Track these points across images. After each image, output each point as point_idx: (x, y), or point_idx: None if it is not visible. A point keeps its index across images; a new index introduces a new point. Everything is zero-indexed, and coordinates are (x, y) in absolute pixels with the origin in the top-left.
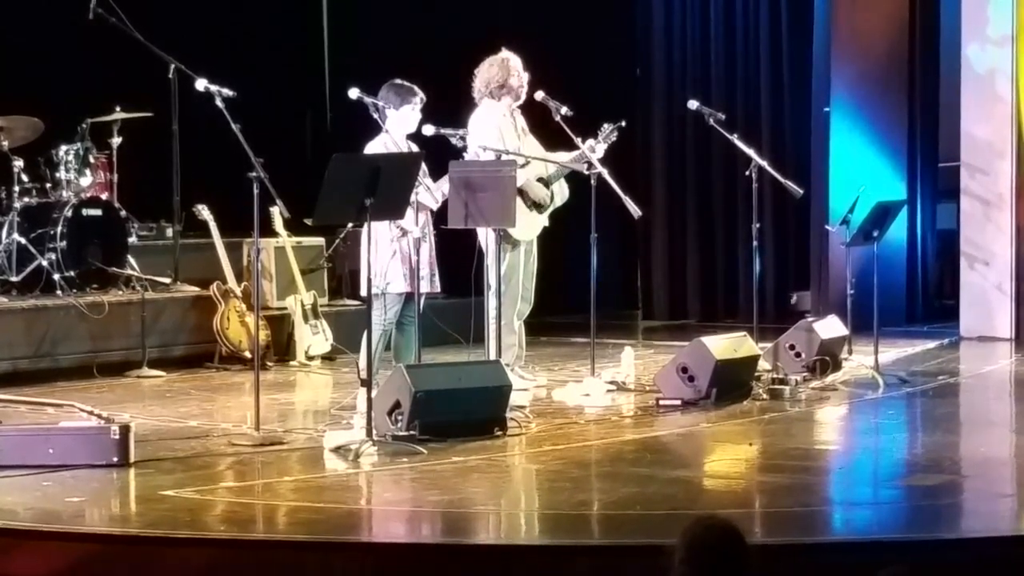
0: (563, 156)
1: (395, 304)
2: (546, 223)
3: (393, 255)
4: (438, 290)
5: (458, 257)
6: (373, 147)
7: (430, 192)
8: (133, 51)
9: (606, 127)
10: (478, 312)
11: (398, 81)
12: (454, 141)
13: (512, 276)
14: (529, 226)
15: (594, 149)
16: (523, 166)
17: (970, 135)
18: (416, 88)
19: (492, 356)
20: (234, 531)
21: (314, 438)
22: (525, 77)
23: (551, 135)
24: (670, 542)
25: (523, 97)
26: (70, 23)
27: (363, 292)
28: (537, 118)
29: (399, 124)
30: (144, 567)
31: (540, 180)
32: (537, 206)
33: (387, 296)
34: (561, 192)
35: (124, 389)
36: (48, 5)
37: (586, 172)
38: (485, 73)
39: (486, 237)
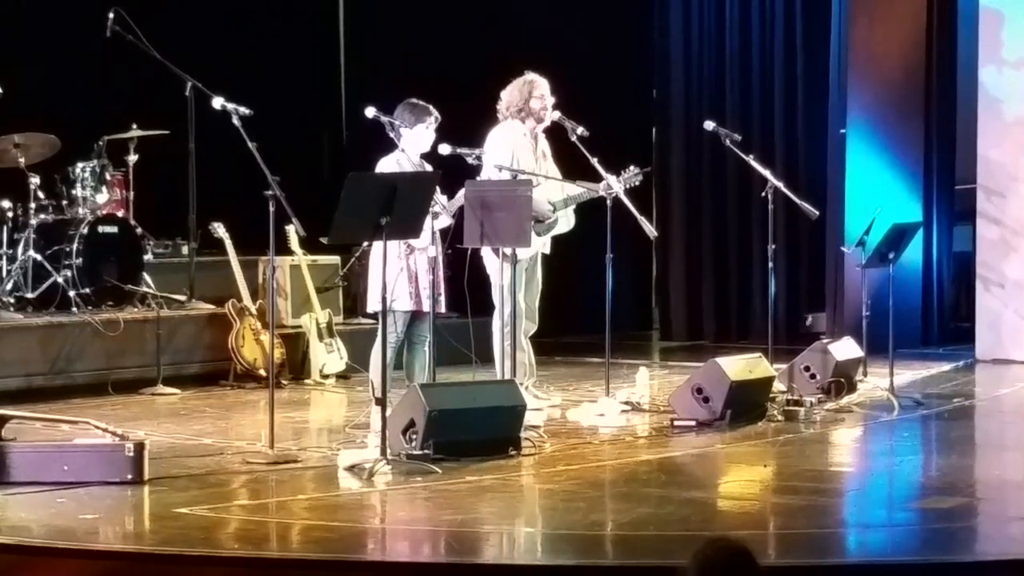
0: (581, 185)
1: (400, 322)
2: (546, 249)
3: (400, 272)
4: (443, 310)
5: (458, 276)
6: (386, 164)
7: (445, 210)
8: (150, 69)
9: (632, 169)
10: (477, 330)
11: (413, 100)
12: (470, 160)
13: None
14: None
15: (612, 187)
16: (534, 187)
17: (986, 158)
18: (431, 107)
19: (504, 375)
20: (248, 549)
21: (328, 456)
22: (549, 100)
23: (569, 160)
24: (684, 563)
25: (546, 120)
26: (87, 40)
27: (369, 309)
28: (554, 139)
29: (414, 143)
30: None
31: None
32: (536, 221)
33: (393, 313)
34: (567, 220)
35: (139, 406)
36: (65, 22)
37: (602, 193)
38: (508, 95)
39: (491, 259)
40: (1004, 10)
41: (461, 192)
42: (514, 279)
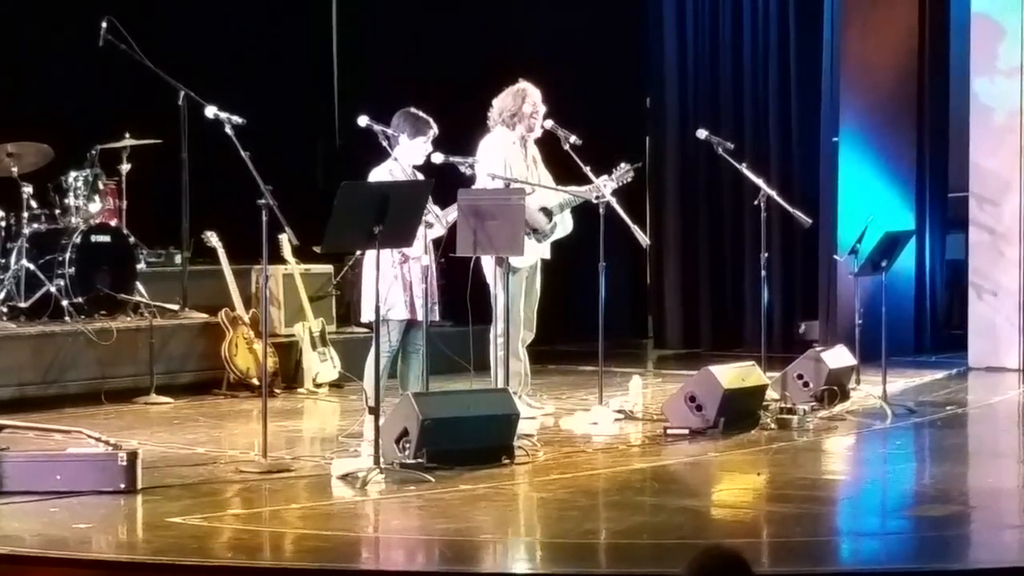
0: (572, 189)
1: (395, 331)
2: (546, 255)
3: (395, 281)
4: (438, 318)
5: (457, 285)
6: (378, 174)
7: (438, 220)
8: (143, 78)
9: (622, 166)
10: (475, 339)
11: (414, 111)
12: (463, 169)
13: (513, 304)
14: (525, 253)
15: (604, 187)
16: (528, 195)
17: (979, 166)
18: (432, 122)
19: (499, 384)
20: (241, 559)
21: (321, 466)
22: (541, 109)
23: (562, 166)
24: (678, 572)
25: (536, 129)
26: (80, 50)
27: (363, 319)
28: (548, 147)
29: (408, 153)
30: None
31: (542, 209)
32: (534, 232)
33: (388, 323)
34: (564, 224)
35: (132, 415)
36: (58, 32)
37: (595, 201)
38: (500, 102)
39: (492, 267)
40: (996, 18)
41: (452, 205)
42: (508, 287)
